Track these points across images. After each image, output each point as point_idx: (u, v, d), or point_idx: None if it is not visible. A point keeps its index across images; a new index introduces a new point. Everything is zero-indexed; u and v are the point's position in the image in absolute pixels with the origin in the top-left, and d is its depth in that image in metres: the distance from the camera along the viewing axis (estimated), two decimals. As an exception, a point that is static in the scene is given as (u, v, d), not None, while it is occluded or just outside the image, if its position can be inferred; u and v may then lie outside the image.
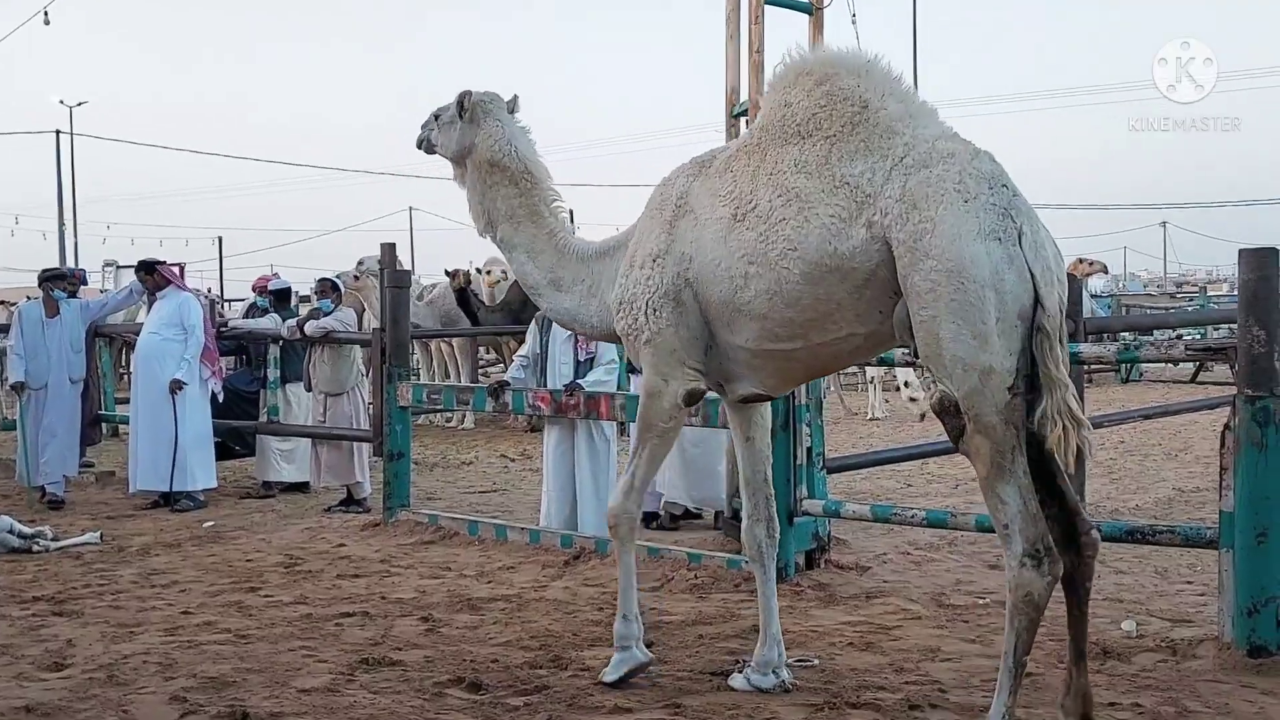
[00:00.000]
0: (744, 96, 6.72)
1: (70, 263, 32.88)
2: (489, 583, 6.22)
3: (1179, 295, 29.26)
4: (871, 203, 3.65)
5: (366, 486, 8.98)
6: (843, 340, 3.88)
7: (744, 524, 4.55)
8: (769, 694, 4.32)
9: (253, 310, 10.96)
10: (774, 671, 4.38)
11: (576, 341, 7.12)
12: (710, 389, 4.33)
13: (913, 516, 5.94)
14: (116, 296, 10.79)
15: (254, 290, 12.30)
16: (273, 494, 9.52)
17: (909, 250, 3.54)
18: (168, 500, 8.90)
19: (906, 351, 5.49)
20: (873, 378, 14.56)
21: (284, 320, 9.68)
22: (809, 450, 6.06)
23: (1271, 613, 4.53)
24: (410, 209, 53.07)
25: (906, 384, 13.88)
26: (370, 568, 6.66)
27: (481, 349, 15.82)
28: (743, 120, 6.74)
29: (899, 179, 3.62)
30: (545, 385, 7.14)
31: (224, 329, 10.11)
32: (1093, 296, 17.24)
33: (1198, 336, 14.25)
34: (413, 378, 9.90)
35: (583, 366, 7.13)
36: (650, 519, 7.67)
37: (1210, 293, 25.98)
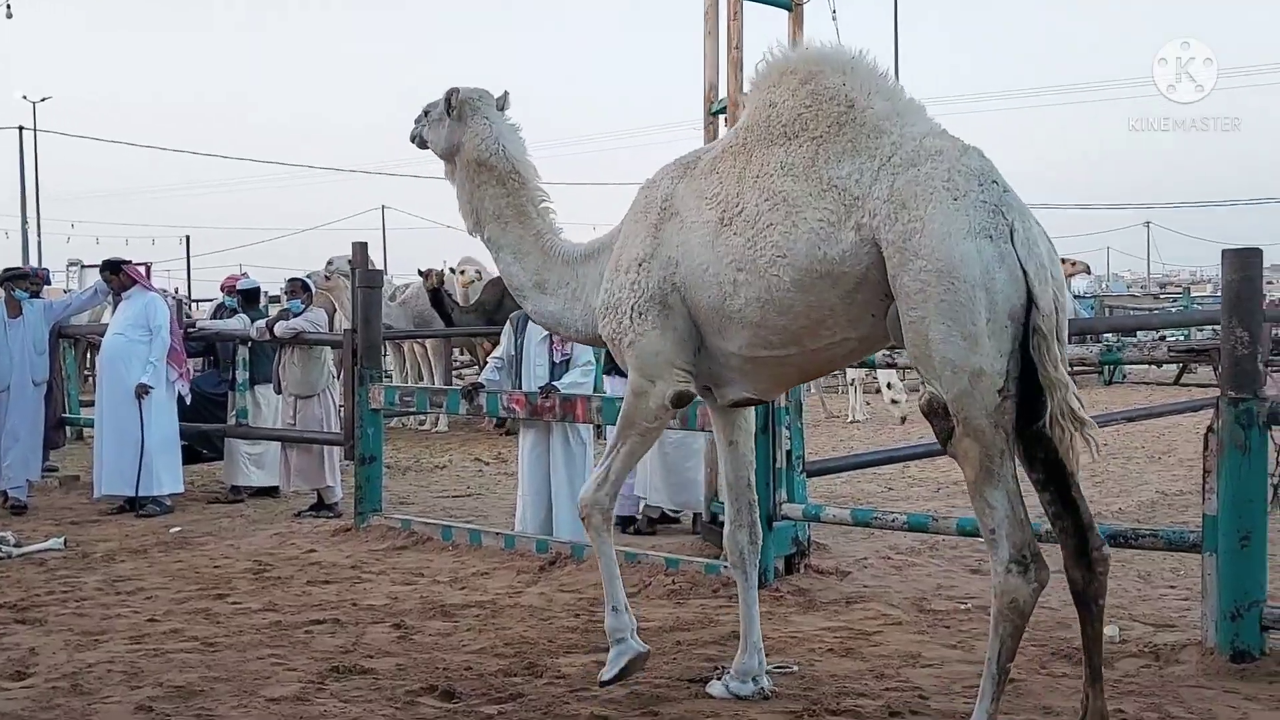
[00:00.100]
0: (723, 93, 6.66)
1: (33, 262, 32.56)
2: (463, 589, 6.15)
3: (1162, 296, 29.34)
4: (860, 205, 3.59)
5: (338, 491, 8.88)
6: (837, 345, 3.83)
7: (726, 529, 4.48)
8: (748, 701, 4.27)
9: (221, 311, 10.82)
10: (753, 679, 4.33)
11: (552, 343, 7.06)
12: (697, 393, 4.27)
13: (894, 520, 5.90)
14: (81, 297, 10.68)
15: (222, 290, 12.13)
16: (241, 499, 9.40)
17: (898, 250, 3.48)
18: (133, 505, 8.76)
19: (887, 353, 5.46)
20: (853, 380, 14.54)
21: (253, 321, 9.57)
22: (788, 453, 6.02)
23: (1255, 617, 4.50)
24: (383, 207, 52.99)
25: (889, 386, 13.89)
26: (341, 574, 6.57)
27: (455, 350, 15.72)
28: (721, 118, 6.69)
29: (887, 178, 3.56)
30: (520, 387, 7.07)
31: (191, 330, 9.99)
32: (1076, 297, 17.29)
33: (1181, 338, 14.32)
34: (385, 380, 9.81)
35: (558, 368, 7.08)
36: (627, 523, 7.61)
37: (1194, 293, 26.14)
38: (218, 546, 7.47)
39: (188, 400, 9.26)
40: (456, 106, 4.62)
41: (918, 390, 12.75)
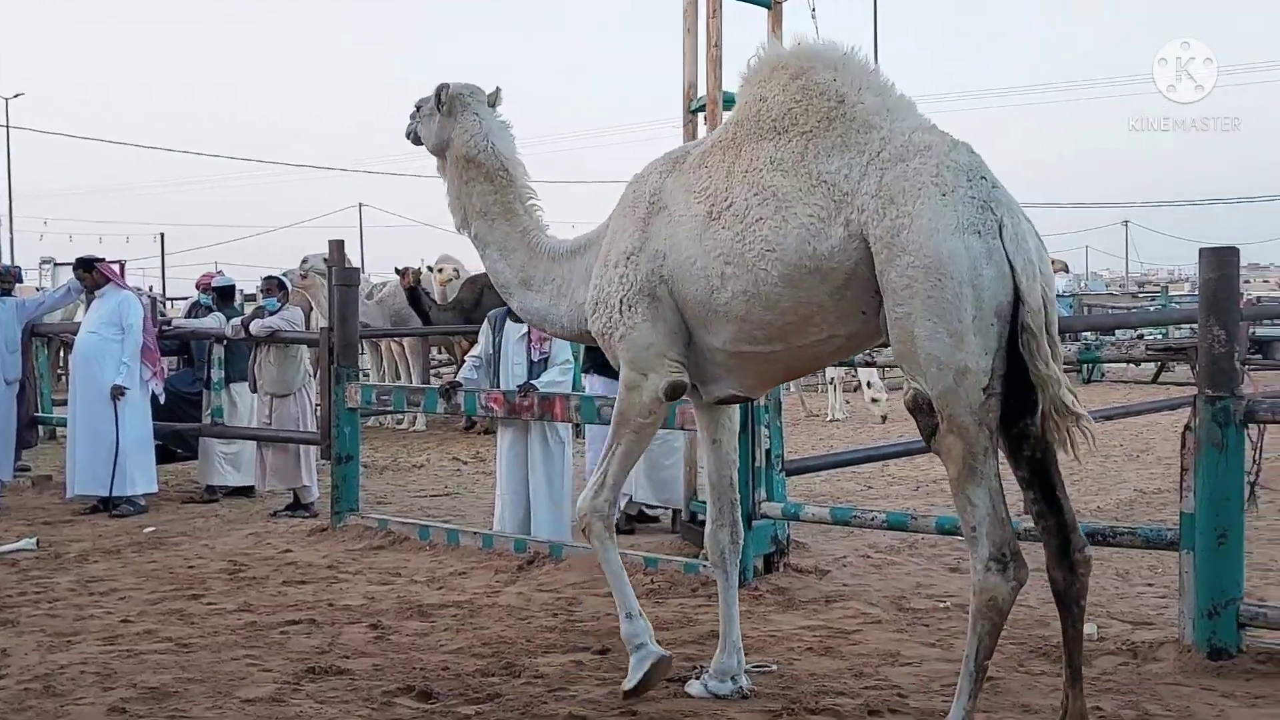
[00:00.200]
0: (702, 91, 6.64)
1: (5, 259, 32.23)
2: (440, 589, 6.11)
3: (1141, 295, 29.44)
4: (849, 200, 3.58)
5: (314, 490, 8.81)
6: (824, 342, 3.81)
7: (707, 528, 4.46)
8: (727, 700, 4.25)
9: (196, 309, 10.76)
10: (732, 678, 4.31)
11: (530, 342, 7.02)
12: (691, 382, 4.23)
13: (873, 519, 5.89)
14: (54, 295, 10.59)
15: (197, 288, 12.09)
16: (216, 498, 9.33)
17: (886, 246, 3.47)
18: (107, 505, 8.68)
19: (867, 352, 5.44)
20: (833, 379, 14.56)
21: (228, 319, 9.49)
22: (768, 452, 6.01)
23: (1232, 614, 4.52)
24: (360, 205, 52.66)
25: (869, 384, 13.92)
26: (317, 574, 6.52)
27: (433, 349, 15.66)
28: (700, 116, 6.67)
29: (875, 174, 3.55)
30: (498, 386, 7.03)
31: (166, 328, 9.91)
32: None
33: (1159, 336, 14.39)
34: (362, 378, 9.75)
35: (536, 367, 7.04)
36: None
37: (1172, 292, 26.28)
38: (192, 547, 7.40)
39: (162, 399, 9.18)
40: (446, 102, 4.60)
41: (898, 389, 12.79)
